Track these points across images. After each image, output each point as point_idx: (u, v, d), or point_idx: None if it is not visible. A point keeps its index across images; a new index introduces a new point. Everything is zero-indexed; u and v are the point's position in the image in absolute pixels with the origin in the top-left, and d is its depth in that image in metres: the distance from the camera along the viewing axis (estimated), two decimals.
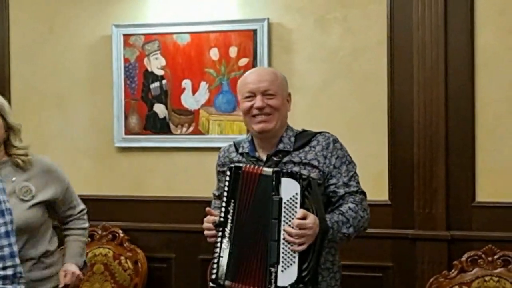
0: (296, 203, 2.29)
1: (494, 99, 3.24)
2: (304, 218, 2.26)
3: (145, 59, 3.64)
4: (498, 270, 3.06)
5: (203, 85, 3.56)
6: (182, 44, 3.58)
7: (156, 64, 3.62)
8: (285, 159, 2.47)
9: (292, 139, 2.51)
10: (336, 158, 2.50)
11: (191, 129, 3.59)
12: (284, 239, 2.27)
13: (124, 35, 3.65)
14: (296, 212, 2.28)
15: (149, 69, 3.63)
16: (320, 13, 3.44)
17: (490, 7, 3.24)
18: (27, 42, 3.86)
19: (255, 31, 3.46)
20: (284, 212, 2.29)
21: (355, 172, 2.53)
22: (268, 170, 2.34)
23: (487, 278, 3.05)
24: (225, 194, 2.36)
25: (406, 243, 3.31)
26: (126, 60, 3.66)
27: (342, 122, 3.41)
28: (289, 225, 2.27)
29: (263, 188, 2.32)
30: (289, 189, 2.30)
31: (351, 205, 2.46)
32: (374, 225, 3.31)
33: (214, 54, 3.54)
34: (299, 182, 2.30)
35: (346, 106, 3.42)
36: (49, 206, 2.66)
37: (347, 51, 3.41)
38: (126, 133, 3.69)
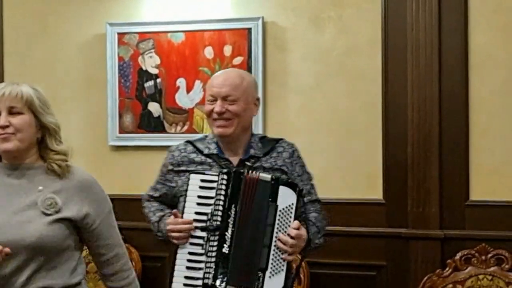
0: (292, 212, 2.34)
1: (488, 98, 3.25)
2: (298, 229, 2.32)
3: (140, 58, 3.63)
4: (492, 268, 3.07)
5: (198, 84, 3.56)
6: (176, 42, 3.57)
7: (150, 62, 3.62)
8: (256, 164, 2.49)
9: (259, 144, 2.53)
10: (299, 166, 2.56)
11: (185, 127, 3.59)
12: (276, 246, 2.32)
13: (119, 33, 3.64)
14: (290, 221, 2.33)
15: (144, 68, 3.63)
16: (314, 12, 3.44)
17: (484, 7, 3.24)
18: (20, 41, 3.85)
19: (249, 29, 3.46)
20: (278, 220, 2.33)
21: (313, 181, 2.60)
22: (266, 176, 2.37)
23: (480, 277, 3.07)
24: (222, 198, 2.34)
25: (400, 242, 3.32)
26: (120, 59, 3.66)
27: (336, 121, 3.42)
28: (283, 233, 2.31)
29: (261, 193, 2.35)
30: (286, 198, 2.34)
31: (315, 214, 2.52)
32: (368, 224, 3.36)
33: (208, 52, 3.53)
34: (295, 192, 2.35)
35: (340, 105, 3.42)
36: (79, 230, 2.15)
37: (341, 50, 3.42)
38: (120, 132, 3.68)
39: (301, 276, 3.32)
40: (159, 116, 3.62)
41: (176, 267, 2.36)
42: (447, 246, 3.24)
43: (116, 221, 2.24)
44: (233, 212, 2.33)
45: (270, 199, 2.33)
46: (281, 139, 2.58)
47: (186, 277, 2.35)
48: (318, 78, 3.45)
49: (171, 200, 2.54)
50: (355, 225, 3.37)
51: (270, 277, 2.30)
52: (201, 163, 2.47)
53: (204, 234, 2.34)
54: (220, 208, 2.33)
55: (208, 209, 2.35)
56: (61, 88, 3.79)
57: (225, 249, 2.31)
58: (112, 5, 3.69)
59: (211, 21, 3.52)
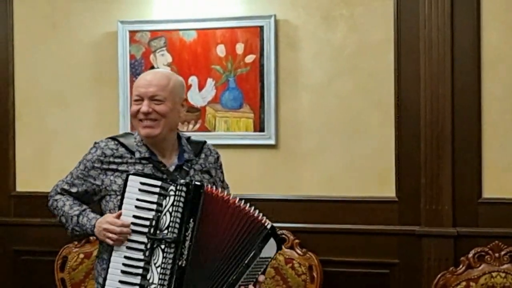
0: (265, 265, 2.36)
1: (500, 96, 3.26)
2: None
3: (151, 56, 3.64)
4: (505, 266, 3.07)
5: (210, 82, 3.56)
6: (188, 40, 3.58)
7: (162, 60, 3.62)
8: (191, 167, 2.48)
9: (189, 146, 2.52)
10: (221, 173, 2.61)
11: (197, 126, 3.59)
12: (239, 286, 2.30)
13: (130, 31, 3.64)
14: (259, 271, 2.35)
15: (155, 66, 3.63)
16: (326, 10, 3.44)
17: (496, 5, 3.25)
18: (31, 39, 3.84)
19: (261, 27, 3.46)
20: (253, 266, 2.33)
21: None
22: (268, 222, 2.34)
23: (494, 274, 3.07)
24: (180, 210, 2.24)
25: (413, 239, 3.32)
26: (132, 57, 3.66)
27: (348, 119, 3.42)
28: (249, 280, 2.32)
29: (253, 234, 2.32)
30: (268, 250, 2.34)
31: None
32: (380, 222, 3.36)
33: (220, 50, 3.53)
34: (277, 250, 2.36)
35: (352, 103, 3.43)
36: None
37: (353, 48, 3.42)
38: (132, 130, 3.66)
39: (314, 274, 3.32)
40: None
41: (110, 270, 2.27)
42: (460, 243, 3.25)
43: None
44: (191, 226, 2.25)
45: (260, 244, 2.32)
46: (205, 141, 2.59)
47: (121, 282, 2.26)
48: (330, 76, 3.45)
49: (88, 199, 2.44)
50: (368, 223, 3.37)
51: None
52: (134, 164, 2.41)
53: (143, 239, 2.26)
54: (178, 220, 2.24)
55: (149, 214, 2.27)
56: (72, 87, 3.79)
57: (182, 262, 2.24)
58: (123, 3, 3.69)
59: (223, 19, 3.52)
